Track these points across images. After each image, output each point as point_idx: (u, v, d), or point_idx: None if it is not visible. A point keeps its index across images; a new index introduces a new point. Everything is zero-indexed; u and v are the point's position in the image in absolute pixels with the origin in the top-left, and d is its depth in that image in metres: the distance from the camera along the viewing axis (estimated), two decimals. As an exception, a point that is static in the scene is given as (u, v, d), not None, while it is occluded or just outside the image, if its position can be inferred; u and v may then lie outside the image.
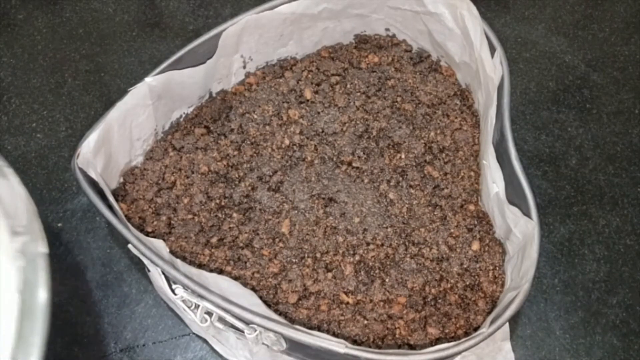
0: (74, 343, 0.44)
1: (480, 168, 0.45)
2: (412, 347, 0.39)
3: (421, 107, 0.48)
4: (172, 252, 0.39)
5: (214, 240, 0.42)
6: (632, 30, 0.63)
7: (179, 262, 0.37)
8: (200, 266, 0.41)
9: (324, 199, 0.44)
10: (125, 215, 0.41)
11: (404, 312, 0.40)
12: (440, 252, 0.42)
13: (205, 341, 0.44)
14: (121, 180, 0.45)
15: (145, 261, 0.37)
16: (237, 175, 0.45)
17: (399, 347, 0.39)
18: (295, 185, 0.44)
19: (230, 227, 0.43)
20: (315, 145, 0.46)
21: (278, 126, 0.47)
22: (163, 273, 0.36)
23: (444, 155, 0.46)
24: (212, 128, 0.48)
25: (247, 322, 0.35)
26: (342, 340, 0.33)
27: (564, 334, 0.45)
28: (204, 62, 0.45)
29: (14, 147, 0.54)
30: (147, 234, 0.42)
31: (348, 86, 0.49)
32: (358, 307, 0.40)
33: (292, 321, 0.39)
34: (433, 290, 0.41)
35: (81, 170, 0.38)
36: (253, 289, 0.39)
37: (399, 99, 0.48)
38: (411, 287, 0.40)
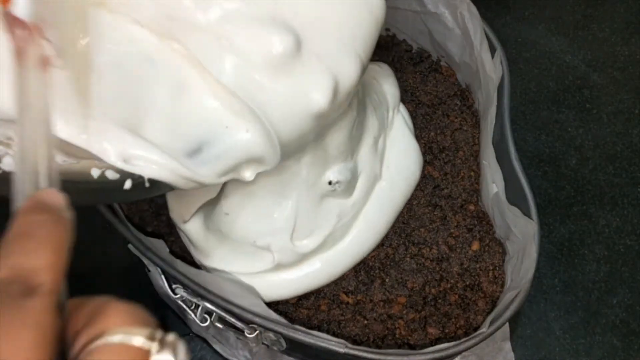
0: (74, 343, 0.44)
1: (480, 168, 0.45)
2: (412, 347, 0.39)
3: (421, 107, 0.48)
4: (172, 252, 0.39)
5: (214, 240, 0.42)
6: (632, 30, 0.63)
7: (179, 262, 0.37)
8: (200, 266, 0.41)
9: (324, 199, 0.44)
10: (126, 215, 0.41)
11: (404, 312, 0.40)
12: (440, 252, 0.42)
13: (205, 341, 0.44)
14: (121, 180, 0.44)
15: (145, 261, 0.37)
16: (237, 175, 0.45)
17: (399, 347, 0.39)
18: (295, 185, 0.44)
19: (230, 227, 0.43)
20: (315, 145, 0.46)
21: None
22: (163, 273, 0.36)
23: (444, 155, 0.46)
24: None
25: (247, 322, 0.35)
26: (342, 340, 0.33)
27: (564, 334, 0.45)
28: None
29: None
30: (147, 234, 0.42)
31: (348, 86, 0.49)
32: (358, 307, 0.40)
33: (292, 321, 0.39)
34: (433, 290, 0.41)
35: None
36: (253, 289, 0.39)
37: (399, 99, 0.48)
38: (411, 287, 0.40)
